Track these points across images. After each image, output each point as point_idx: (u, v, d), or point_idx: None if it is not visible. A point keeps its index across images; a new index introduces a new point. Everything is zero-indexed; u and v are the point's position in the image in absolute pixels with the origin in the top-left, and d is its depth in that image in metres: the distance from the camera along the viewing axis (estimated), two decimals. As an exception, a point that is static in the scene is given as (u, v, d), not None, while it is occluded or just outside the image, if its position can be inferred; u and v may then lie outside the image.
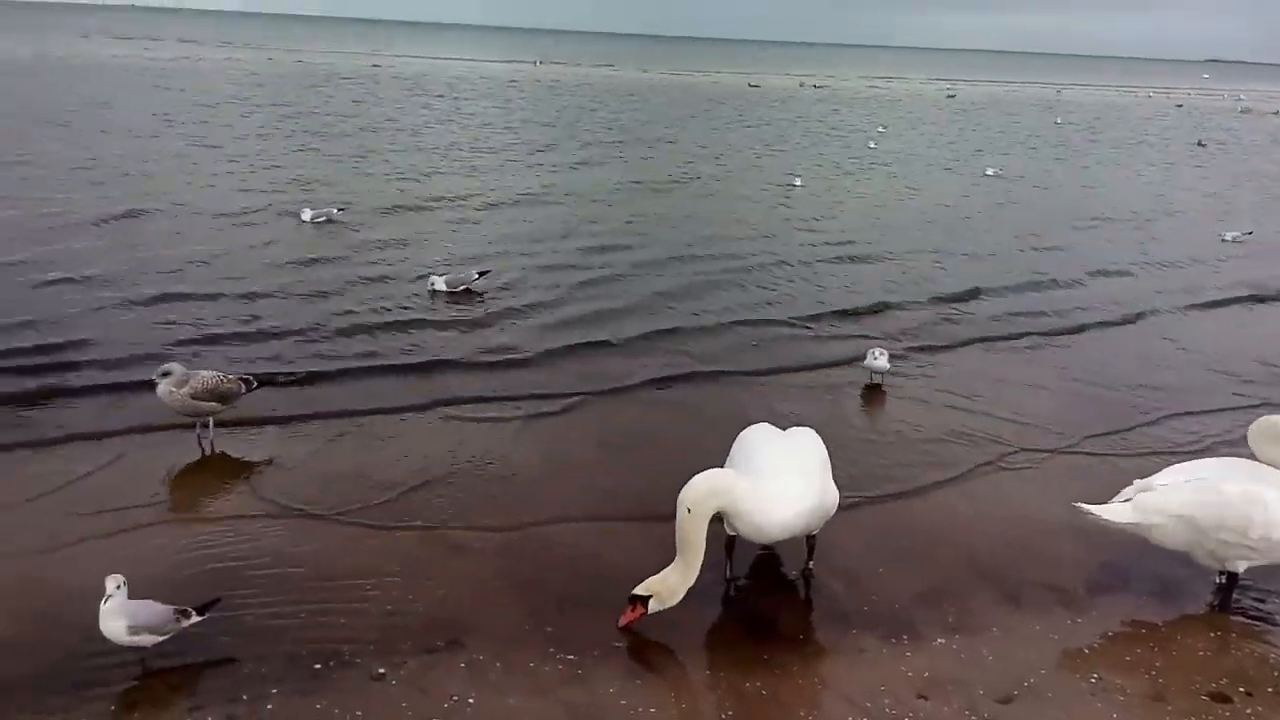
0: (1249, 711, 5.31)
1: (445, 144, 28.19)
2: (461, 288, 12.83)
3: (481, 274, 13.18)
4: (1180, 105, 71.40)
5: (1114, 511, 6.38)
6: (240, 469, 7.74)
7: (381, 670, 5.34)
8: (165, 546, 6.50)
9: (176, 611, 5.29)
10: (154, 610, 5.25)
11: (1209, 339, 12.81)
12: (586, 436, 8.65)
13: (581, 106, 45.16)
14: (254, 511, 7.01)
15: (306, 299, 12.20)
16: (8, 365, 9.23)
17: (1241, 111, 66.97)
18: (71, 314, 10.94)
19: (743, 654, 5.68)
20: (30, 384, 8.92)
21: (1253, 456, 6.34)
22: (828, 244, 17.32)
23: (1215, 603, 6.39)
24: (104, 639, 5.18)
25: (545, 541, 6.78)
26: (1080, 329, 12.95)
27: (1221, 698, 5.42)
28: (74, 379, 9.13)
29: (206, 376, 7.88)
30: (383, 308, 12.02)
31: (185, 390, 7.73)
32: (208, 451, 8.03)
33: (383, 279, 13.32)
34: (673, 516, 5.75)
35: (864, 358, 10.28)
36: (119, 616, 5.15)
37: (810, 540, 6.46)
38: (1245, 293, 15.34)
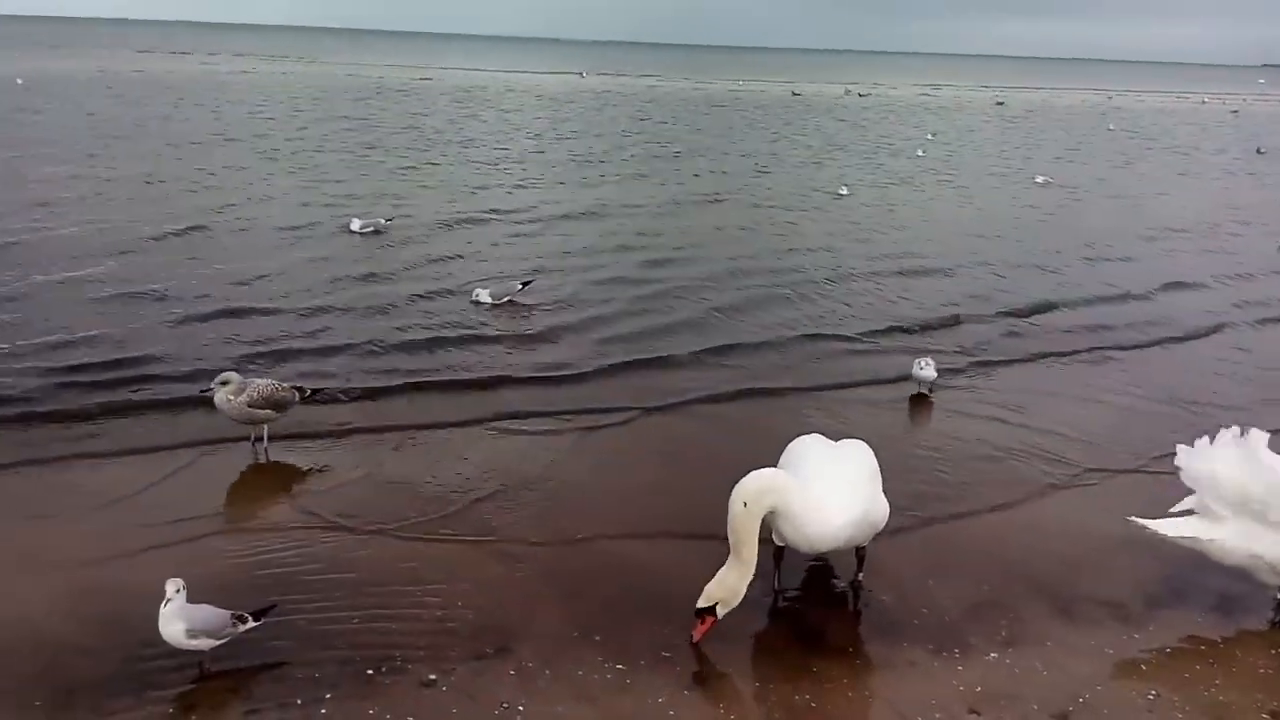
0: (1313, 732, 5.19)
1: (494, 157, 28.31)
2: (506, 299, 12.90)
3: (525, 285, 13.23)
4: (1236, 111, 69.86)
5: (1170, 525, 6.28)
6: (295, 481, 7.86)
7: (432, 676, 5.40)
8: (222, 554, 6.63)
9: (234, 616, 5.40)
10: (212, 615, 5.36)
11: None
12: (639, 452, 8.63)
13: (629, 117, 45.35)
14: (307, 522, 7.11)
15: (362, 314, 12.26)
16: (75, 380, 9.42)
17: (1300, 117, 65.51)
18: (134, 329, 11.12)
19: (791, 665, 5.66)
20: (96, 398, 9.11)
21: None
22: (883, 256, 17.06)
23: (1276, 619, 6.24)
24: (164, 642, 5.30)
25: (595, 554, 6.80)
26: (1152, 343, 12.55)
27: (1284, 717, 5.30)
28: (136, 393, 9.29)
29: (262, 385, 8.06)
30: (437, 323, 12.03)
31: (242, 398, 7.91)
32: (263, 460, 8.20)
33: (441, 294, 13.27)
34: (723, 535, 5.75)
35: (912, 368, 10.23)
36: (178, 620, 5.27)
37: (860, 552, 6.42)
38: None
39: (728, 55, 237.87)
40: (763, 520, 5.77)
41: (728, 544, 5.73)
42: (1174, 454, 6.46)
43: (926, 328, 12.83)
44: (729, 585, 5.67)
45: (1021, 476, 8.31)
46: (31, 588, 6.11)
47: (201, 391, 8.02)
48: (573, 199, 21.76)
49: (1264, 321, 13.93)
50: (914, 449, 8.91)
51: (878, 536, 6.40)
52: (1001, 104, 69.29)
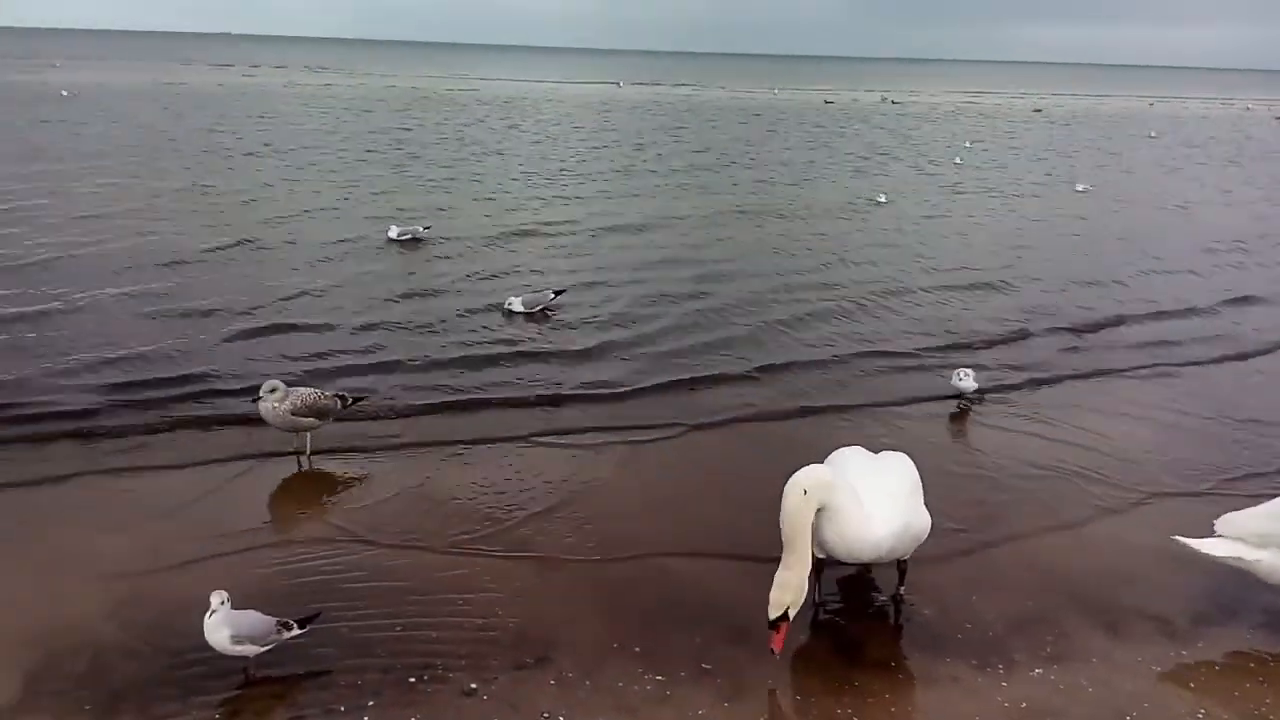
0: (1369, 754, 5.07)
1: (535, 169, 28.21)
2: (538, 308, 12.95)
3: (557, 294, 13.27)
4: (1280, 118, 68.77)
5: (1215, 545, 6.20)
6: (340, 493, 7.92)
7: (473, 685, 5.43)
8: (267, 563, 6.71)
9: (279, 623, 5.46)
10: (257, 621, 5.43)
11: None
12: (684, 469, 8.55)
13: (666, 127, 45.43)
14: (351, 533, 7.17)
15: (410, 329, 12.25)
16: (131, 397, 9.53)
17: (1349, 123, 64.20)
18: (186, 344, 11.20)
19: (832, 678, 5.63)
20: (149, 412, 9.24)
21: None
22: (930, 269, 16.78)
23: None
24: (209, 648, 5.38)
25: (636, 568, 6.78)
26: (1213, 360, 12.15)
27: (1339, 738, 5.19)
28: (187, 408, 9.40)
29: (305, 393, 8.18)
30: (484, 338, 11.98)
31: (285, 406, 8.02)
32: (305, 467, 8.31)
33: (487, 309, 13.20)
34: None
35: (950, 378, 10.16)
36: (224, 626, 5.34)
37: (901, 565, 6.37)
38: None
39: (763, 64, 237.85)
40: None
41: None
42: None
43: (981, 343, 12.48)
44: (794, 586, 5.59)
45: (1068, 494, 8.15)
46: (83, 593, 6.22)
47: (252, 400, 8.13)
48: (617, 211, 21.63)
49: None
50: (960, 464, 8.78)
51: (919, 549, 6.34)
52: (1039, 111, 68.66)
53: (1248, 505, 6.45)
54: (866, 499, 5.89)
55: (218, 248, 16.19)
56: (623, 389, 10.44)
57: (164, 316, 12.27)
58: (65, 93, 48.09)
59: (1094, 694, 5.51)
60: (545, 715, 5.21)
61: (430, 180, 25.35)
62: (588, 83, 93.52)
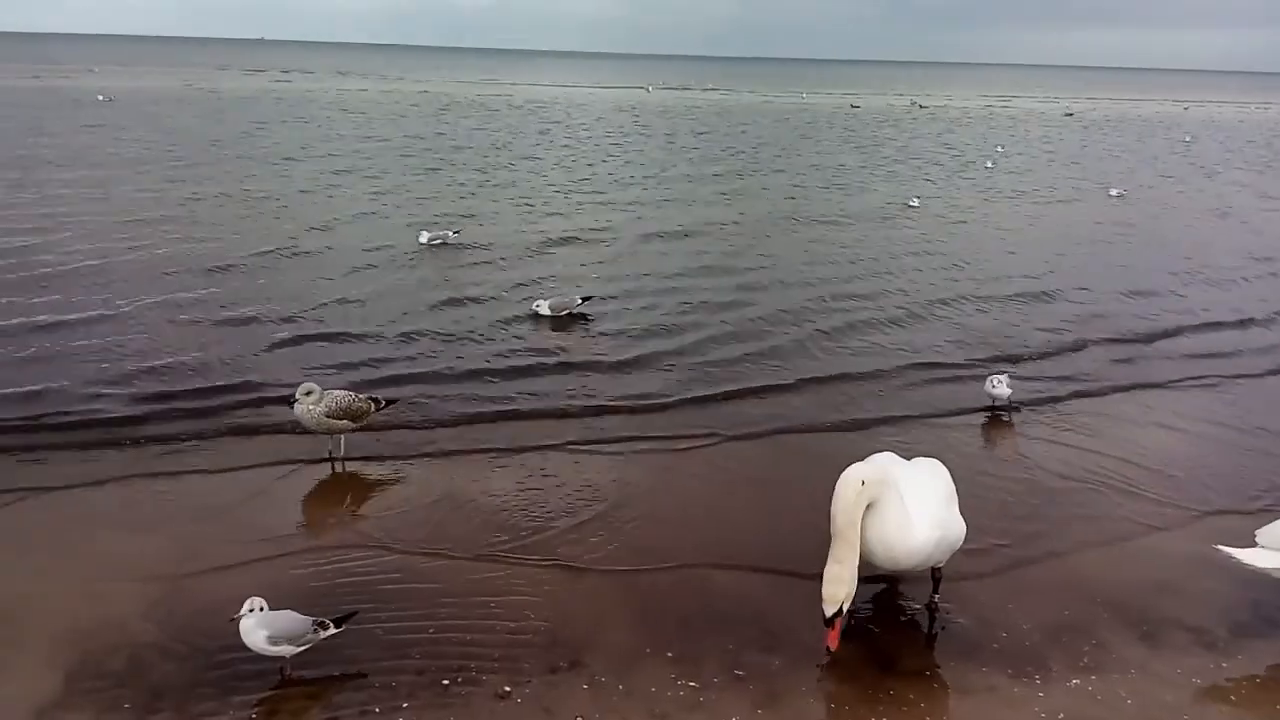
0: None
1: (569, 175, 28.05)
2: (565, 312, 13.00)
3: (585, 299, 13.32)
4: (1320, 121, 67.74)
5: (1257, 555, 6.12)
6: (376, 499, 7.96)
7: (507, 688, 5.45)
8: (303, 565, 6.77)
9: (315, 623, 5.51)
10: (294, 621, 5.48)
11: None
12: (719, 480, 8.46)
13: (695, 131, 45.45)
14: (384, 537, 7.21)
15: (449, 338, 12.20)
16: (169, 407, 9.61)
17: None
18: (226, 351, 11.28)
19: (866, 687, 5.60)
20: (190, 419, 9.35)
21: None
22: (970, 278, 16.38)
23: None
24: (247, 648, 5.43)
25: (669, 576, 6.77)
26: (1269, 373, 11.83)
27: (1385, 754, 5.09)
28: (228, 415, 9.50)
29: (339, 395, 8.25)
30: (524, 347, 11.92)
31: (320, 408, 8.09)
32: (339, 471, 8.37)
33: (525, 318, 13.14)
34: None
35: (985, 384, 10.08)
36: (261, 627, 5.39)
37: (936, 573, 6.33)
38: None
39: (789, 68, 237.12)
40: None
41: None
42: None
43: (1027, 354, 12.25)
44: (846, 579, 5.57)
45: (1110, 508, 8.00)
46: (125, 594, 6.30)
47: (289, 402, 8.20)
48: (656, 217, 21.51)
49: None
50: (1001, 476, 8.61)
51: (956, 559, 6.29)
52: (1070, 115, 68.04)
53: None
54: (910, 503, 5.86)
55: (258, 253, 16.29)
56: (660, 398, 10.35)
57: (205, 324, 12.36)
58: (101, 97, 48.82)
59: (1133, 705, 5.44)
60: (578, 719, 5.22)
61: (463, 184, 25.50)
62: (616, 87, 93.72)
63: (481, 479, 8.28)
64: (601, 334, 12.64)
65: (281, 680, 5.50)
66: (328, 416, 8.14)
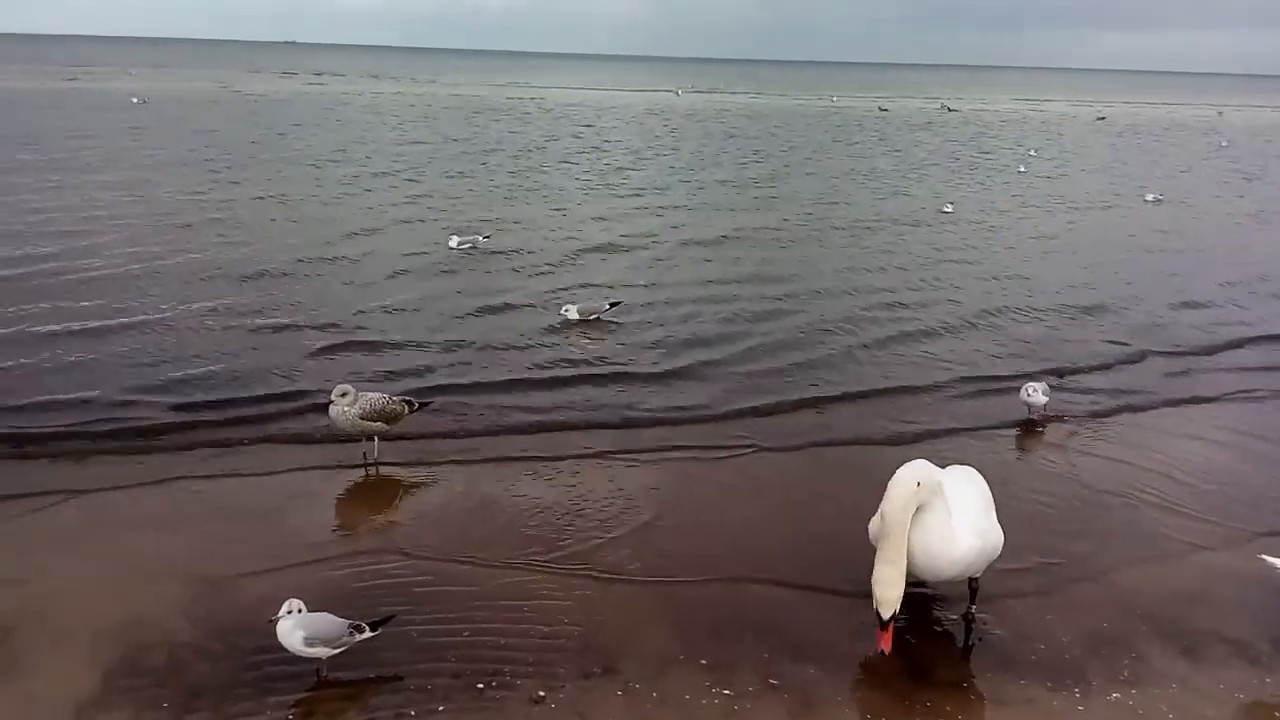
0: None
1: (604, 180, 27.97)
2: (593, 316, 13.05)
3: (613, 305, 13.35)
4: (1356, 126, 66.58)
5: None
6: (412, 504, 7.98)
7: (541, 693, 5.46)
8: (338, 569, 6.81)
9: (351, 626, 5.54)
10: (330, 623, 5.52)
11: None
12: (756, 492, 8.37)
13: (726, 134, 45.45)
14: (419, 542, 7.23)
15: (491, 346, 12.16)
16: (209, 416, 9.65)
17: None
18: (264, 357, 11.36)
19: (902, 698, 5.55)
20: (231, 425, 9.44)
21: None
22: (1011, 290, 16.05)
23: None
24: (284, 650, 5.47)
25: (705, 587, 6.73)
26: None
27: None
28: (267, 420, 9.57)
29: (373, 397, 8.30)
30: (566, 357, 11.85)
31: (355, 410, 8.14)
32: (372, 471, 8.44)
33: (568, 325, 13.06)
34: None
35: (1020, 393, 9.97)
36: (298, 628, 5.43)
37: (973, 583, 6.27)
38: None
39: (817, 70, 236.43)
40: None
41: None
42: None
43: (1076, 366, 12.01)
44: (893, 579, 5.58)
45: (1150, 523, 7.89)
46: (163, 595, 6.37)
47: (327, 402, 8.26)
48: (691, 223, 21.42)
49: None
50: (1043, 490, 8.45)
51: (995, 571, 6.23)
52: (1102, 119, 67.35)
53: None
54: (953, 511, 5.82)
55: (298, 259, 16.36)
56: (698, 409, 10.27)
57: (243, 329, 12.43)
58: (135, 100, 49.42)
59: (1174, 720, 5.37)
60: (613, 726, 5.22)
61: (495, 187, 25.60)
62: (645, 90, 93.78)
63: (516, 486, 8.28)
64: (638, 343, 12.54)
65: (318, 682, 5.54)
66: (362, 418, 8.19)
